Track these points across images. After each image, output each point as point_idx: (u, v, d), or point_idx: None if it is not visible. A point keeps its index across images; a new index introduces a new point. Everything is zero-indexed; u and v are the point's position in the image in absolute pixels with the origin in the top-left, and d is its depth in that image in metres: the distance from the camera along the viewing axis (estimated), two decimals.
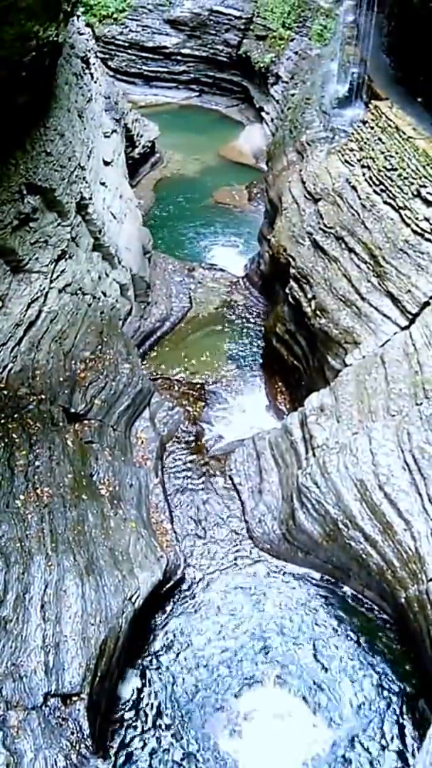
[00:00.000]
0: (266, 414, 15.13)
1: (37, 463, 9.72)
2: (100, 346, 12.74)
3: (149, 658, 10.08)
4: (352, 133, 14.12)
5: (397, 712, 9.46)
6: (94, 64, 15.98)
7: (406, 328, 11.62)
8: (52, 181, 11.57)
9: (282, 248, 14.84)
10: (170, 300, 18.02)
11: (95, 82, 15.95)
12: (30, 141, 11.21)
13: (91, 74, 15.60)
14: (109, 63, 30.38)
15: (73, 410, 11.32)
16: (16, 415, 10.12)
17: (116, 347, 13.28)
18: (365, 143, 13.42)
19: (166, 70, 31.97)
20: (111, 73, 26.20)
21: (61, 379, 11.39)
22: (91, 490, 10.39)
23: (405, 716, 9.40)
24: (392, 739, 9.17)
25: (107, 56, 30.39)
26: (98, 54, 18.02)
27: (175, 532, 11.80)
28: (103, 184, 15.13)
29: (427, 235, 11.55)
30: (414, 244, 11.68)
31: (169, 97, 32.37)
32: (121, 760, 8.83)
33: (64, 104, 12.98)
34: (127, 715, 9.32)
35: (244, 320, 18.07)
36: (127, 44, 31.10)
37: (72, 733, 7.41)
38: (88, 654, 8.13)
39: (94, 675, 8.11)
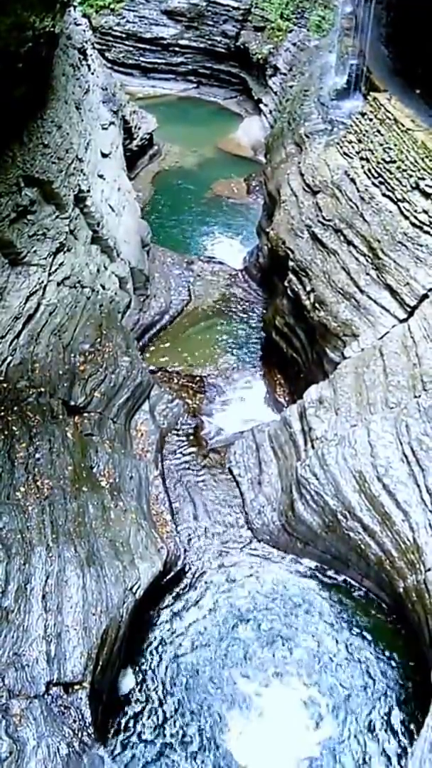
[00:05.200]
0: (265, 406, 15.17)
1: (37, 456, 9.76)
2: (99, 339, 12.75)
3: (150, 647, 10.16)
4: (351, 126, 14.08)
5: (394, 700, 9.56)
6: (91, 55, 15.90)
7: (405, 320, 11.65)
8: (49, 174, 11.54)
9: (281, 241, 14.83)
10: (169, 293, 18.02)
11: (92, 74, 15.87)
12: (27, 133, 11.18)
13: (88, 65, 15.51)
14: (107, 54, 30.21)
15: (72, 403, 11.34)
16: (15, 408, 10.14)
17: (115, 340, 13.29)
18: (364, 135, 13.38)
19: (163, 61, 31.81)
20: (108, 65, 26.00)
21: (61, 372, 11.40)
22: (92, 482, 10.44)
23: (402, 705, 9.49)
24: (389, 727, 9.26)
25: (104, 47, 30.23)
26: (95, 45, 17.95)
27: (175, 524, 11.86)
28: (101, 176, 15.09)
29: (425, 228, 11.55)
30: (413, 236, 11.68)
31: (167, 88, 32.22)
32: (122, 747, 8.92)
33: (62, 96, 12.92)
34: (128, 704, 9.40)
35: (243, 313, 18.07)
36: (124, 35, 30.91)
37: (74, 721, 7.49)
38: (89, 643, 8.20)
39: (95, 664, 8.18)
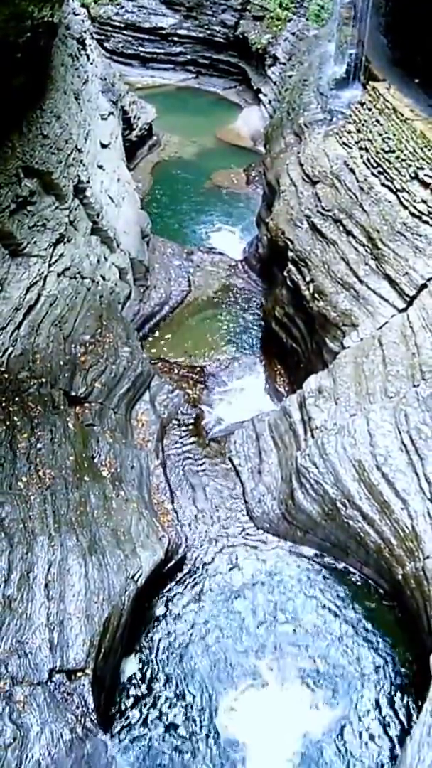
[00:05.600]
0: (265, 396, 15.14)
1: (38, 446, 9.75)
2: (99, 330, 12.70)
3: (152, 634, 10.21)
4: (350, 115, 13.96)
5: (393, 684, 9.62)
6: (90, 45, 15.71)
7: (404, 310, 11.59)
8: (49, 164, 11.44)
9: (280, 231, 14.73)
10: (169, 284, 17.94)
11: (91, 64, 15.69)
12: (26, 124, 11.07)
13: (87, 55, 15.33)
14: (105, 44, 29.91)
15: (73, 393, 11.32)
16: (17, 399, 10.12)
17: (116, 331, 13.24)
18: (363, 125, 13.26)
19: (162, 51, 31.48)
20: (107, 55, 25.77)
21: (62, 362, 11.37)
22: (93, 471, 10.44)
23: (401, 689, 9.55)
24: (388, 710, 9.33)
25: (103, 37, 29.92)
26: (94, 35, 17.72)
27: (176, 513, 11.87)
28: (100, 167, 14.97)
29: (424, 218, 11.47)
30: (412, 226, 11.60)
31: (166, 78, 31.92)
32: (124, 733, 8.99)
33: (60, 86, 12.79)
34: (131, 690, 9.46)
35: (242, 304, 18.00)
36: (123, 25, 30.57)
37: (77, 708, 7.54)
38: (91, 631, 8.23)
39: (98, 651, 8.22)
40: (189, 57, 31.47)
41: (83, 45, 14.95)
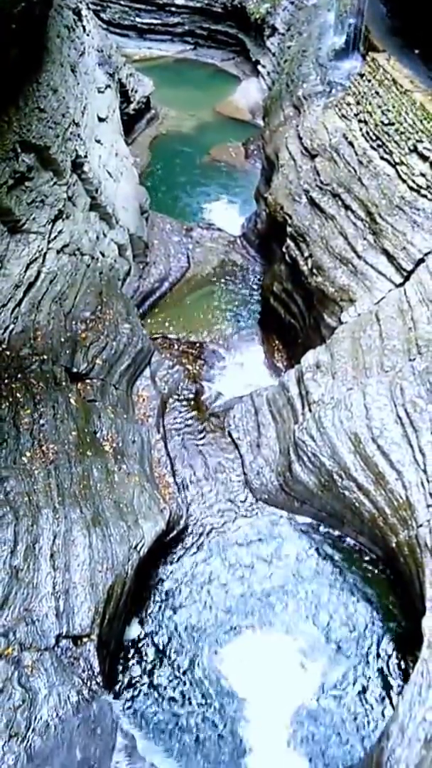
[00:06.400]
0: (264, 371, 15.14)
1: (41, 422, 9.78)
2: (100, 307, 12.62)
3: (154, 600, 10.42)
4: (349, 87, 13.64)
5: (386, 646, 9.85)
6: (86, 16, 15.24)
7: (401, 285, 11.51)
8: (46, 139, 11.21)
9: (279, 206, 14.53)
10: (168, 260, 17.75)
11: (88, 35, 15.24)
12: (23, 97, 10.80)
13: (83, 27, 14.88)
14: (102, 15, 29.04)
15: (75, 370, 11.31)
16: (19, 375, 10.11)
17: (116, 308, 13.16)
18: (362, 97, 12.97)
19: (159, 21, 30.58)
20: (103, 26, 25.01)
21: (63, 339, 11.32)
22: (95, 446, 10.50)
23: (394, 649, 9.78)
24: (381, 669, 9.58)
25: (99, 8, 29.03)
26: (90, 5, 17.20)
27: (177, 485, 11.99)
28: (98, 141, 14.67)
29: (423, 191, 11.30)
30: (410, 200, 11.43)
31: (163, 50, 31.07)
32: (128, 694, 9.25)
33: (56, 58, 12.45)
34: (134, 654, 9.70)
35: (241, 280, 17.85)
36: None
37: (83, 671, 7.72)
38: (96, 598, 8.39)
39: (102, 618, 8.39)
40: (186, 28, 30.57)
41: (79, 16, 14.51)
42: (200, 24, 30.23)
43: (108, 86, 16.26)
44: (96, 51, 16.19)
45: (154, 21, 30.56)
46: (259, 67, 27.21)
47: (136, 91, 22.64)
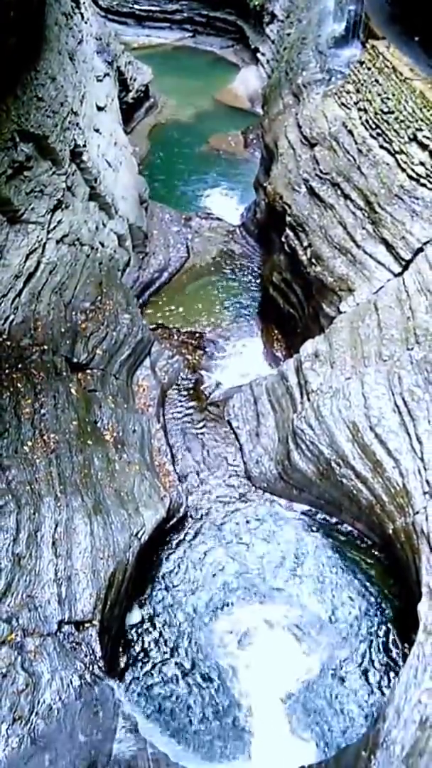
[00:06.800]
0: (263, 361, 15.13)
1: (42, 411, 9.79)
2: (99, 297, 12.58)
3: (155, 586, 10.50)
4: (349, 75, 13.46)
5: (383, 629, 9.94)
6: (84, 3, 15.02)
7: (400, 274, 11.45)
8: (45, 128, 11.09)
9: (278, 196, 14.41)
10: (168, 250, 17.66)
11: (86, 23, 15.03)
12: (21, 86, 10.67)
13: (81, 14, 14.67)
14: (99, 2, 28.66)
15: (75, 360, 11.29)
16: (20, 365, 10.10)
17: (116, 298, 13.12)
18: (362, 85, 12.80)
19: (158, 9, 30.19)
20: (101, 13, 24.71)
21: (63, 329, 11.30)
22: (96, 435, 10.52)
23: (390, 633, 9.87)
24: (378, 653, 9.68)
25: None
26: None
27: (177, 474, 12.03)
28: (96, 130, 14.52)
29: (422, 180, 11.20)
30: (409, 189, 11.34)
31: (162, 38, 30.71)
32: (130, 677, 9.35)
33: (54, 46, 12.28)
34: (135, 638, 9.79)
35: (241, 269, 17.77)
36: None
37: (85, 656, 7.79)
38: (98, 585, 8.45)
39: (104, 604, 8.46)
40: (185, 15, 30.19)
41: (77, 3, 14.30)
42: (199, 11, 29.85)
43: (106, 74, 16.07)
44: (94, 39, 15.99)
45: (153, 8, 30.17)
46: (259, 55, 26.89)
47: (134, 80, 22.40)
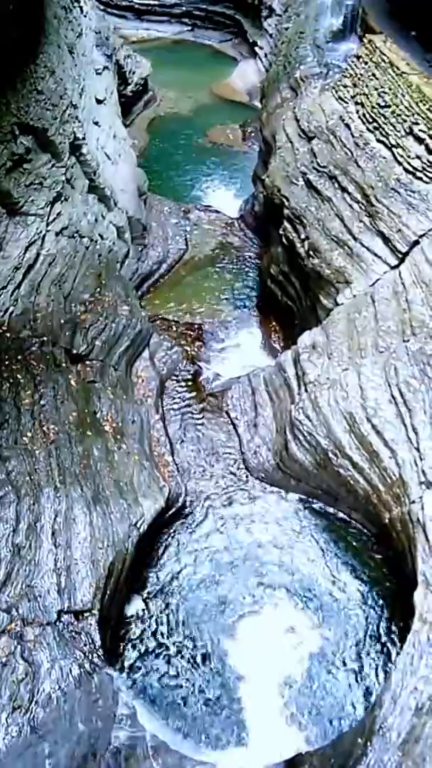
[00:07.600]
0: (261, 352, 15.00)
1: (42, 402, 9.65)
2: (99, 289, 12.41)
3: (154, 575, 10.42)
4: (346, 69, 13.23)
5: (380, 616, 9.89)
6: None
7: (396, 267, 11.31)
8: (44, 121, 10.88)
9: (276, 189, 14.22)
10: (166, 242, 17.46)
11: (85, 16, 14.72)
12: (20, 79, 10.45)
13: (81, 7, 14.36)
14: None
15: (74, 351, 11.15)
16: (19, 357, 9.95)
17: (115, 290, 12.95)
18: (359, 79, 12.58)
19: (157, 2, 29.74)
20: (100, 7, 24.24)
21: (62, 321, 11.14)
22: (96, 426, 10.39)
23: (387, 620, 9.82)
24: (375, 640, 9.62)
25: None
26: None
27: (176, 464, 11.93)
28: (96, 123, 14.28)
29: (418, 174, 11.04)
30: (406, 182, 11.17)
31: (160, 31, 30.27)
32: (129, 666, 9.28)
33: (54, 40, 12.02)
34: (135, 627, 9.71)
35: (239, 262, 17.59)
36: None
37: (84, 645, 7.71)
38: (97, 575, 8.35)
39: (103, 593, 8.36)
40: (184, 9, 29.73)
41: None
42: (197, 5, 29.41)
43: (106, 68, 15.78)
44: (93, 32, 15.67)
45: (152, 2, 29.72)
46: (257, 49, 26.53)
47: (133, 73, 22.07)
